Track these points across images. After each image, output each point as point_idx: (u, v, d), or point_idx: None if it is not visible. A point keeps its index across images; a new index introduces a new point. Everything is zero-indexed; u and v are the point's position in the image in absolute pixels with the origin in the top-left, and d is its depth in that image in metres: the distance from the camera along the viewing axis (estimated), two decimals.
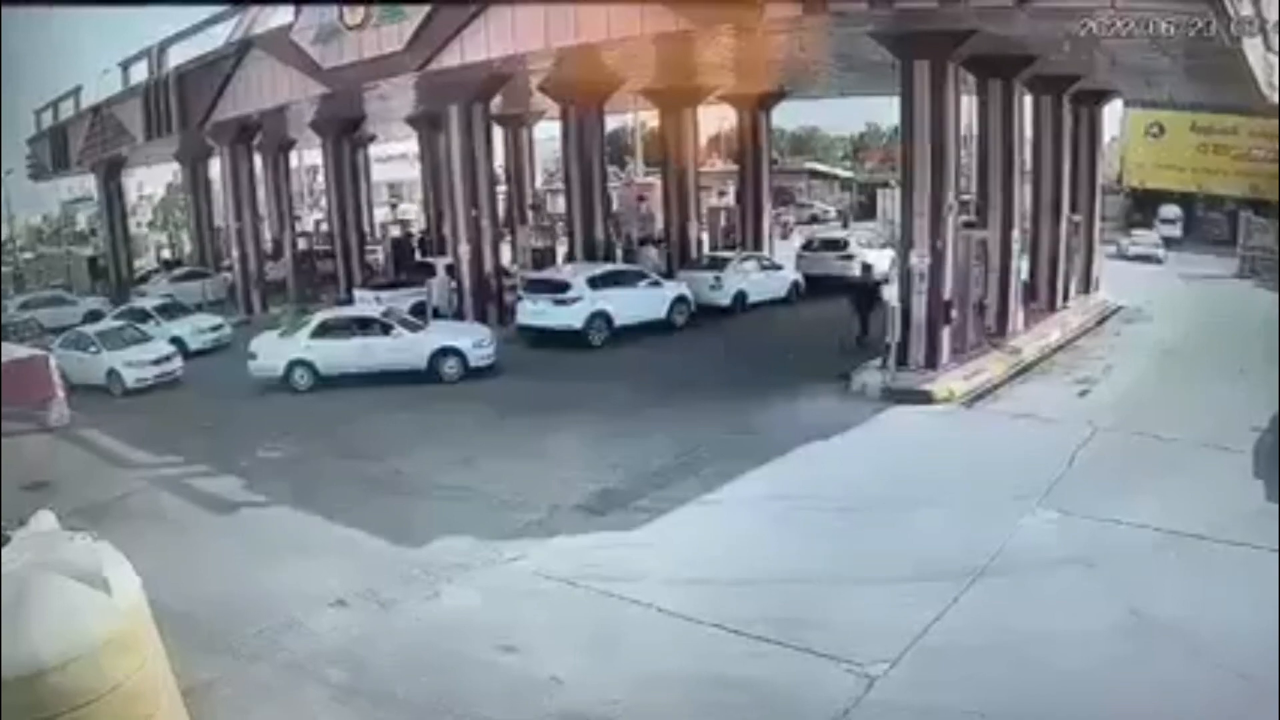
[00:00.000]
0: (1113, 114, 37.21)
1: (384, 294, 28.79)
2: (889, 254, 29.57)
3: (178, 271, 41.02)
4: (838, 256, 32.77)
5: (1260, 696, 8.30)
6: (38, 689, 7.20)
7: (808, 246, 35.09)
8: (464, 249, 27.31)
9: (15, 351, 21.18)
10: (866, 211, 51.91)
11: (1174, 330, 24.31)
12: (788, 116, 51.67)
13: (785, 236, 40.02)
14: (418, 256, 38.45)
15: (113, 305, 33.79)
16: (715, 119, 47.34)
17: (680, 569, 11.85)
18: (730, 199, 41.24)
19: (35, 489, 15.31)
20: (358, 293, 30.62)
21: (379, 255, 40.15)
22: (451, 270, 28.69)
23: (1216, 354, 19.76)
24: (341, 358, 22.50)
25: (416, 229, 45.27)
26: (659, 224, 37.03)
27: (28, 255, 54.23)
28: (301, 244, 39.99)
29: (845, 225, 46.23)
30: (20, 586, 7.50)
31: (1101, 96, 29.59)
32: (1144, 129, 45.24)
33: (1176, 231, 44.76)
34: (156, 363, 23.84)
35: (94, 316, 31.32)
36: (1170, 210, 45.44)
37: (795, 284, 31.20)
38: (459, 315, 27.21)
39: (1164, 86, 31.04)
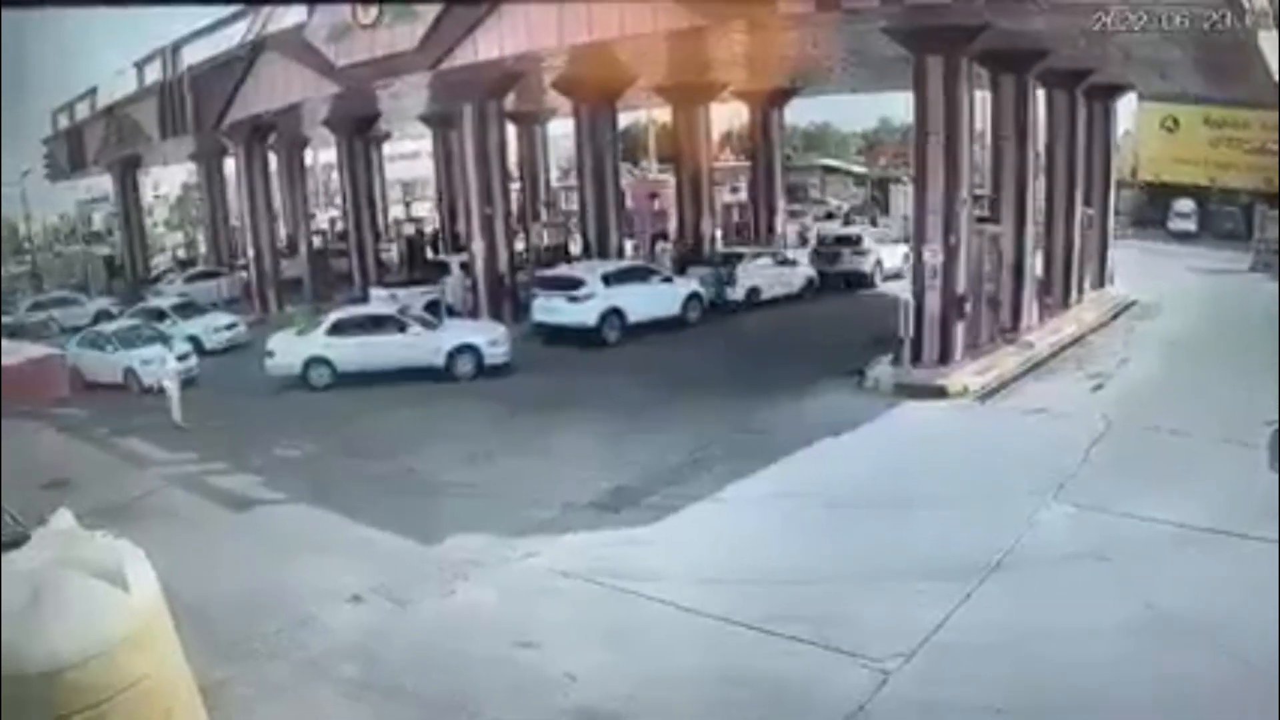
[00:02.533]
0: (1126, 108, 36.92)
1: (399, 292, 28.88)
2: (901, 249, 29.61)
3: (193, 270, 41.19)
4: (852, 253, 32.85)
5: (1274, 689, 8.28)
6: (57, 686, 7.26)
7: (822, 243, 35.05)
8: (478, 246, 27.34)
9: (29, 350, 21.31)
10: (881, 208, 51.74)
11: (1188, 325, 24.14)
12: (800, 113, 51.47)
13: (804, 242, 39.51)
14: (430, 254, 38.56)
15: (123, 305, 33.91)
16: (728, 115, 47.25)
17: (694, 566, 11.86)
18: (743, 195, 41.17)
19: (54, 487, 15.43)
20: (374, 291, 30.70)
21: (393, 253, 40.24)
22: (466, 268, 28.77)
23: (1231, 348, 19.61)
24: (358, 355, 22.57)
25: (430, 227, 45.33)
26: (672, 221, 36.95)
27: (52, 253, 54.62)
28: (316, 242, 40.06)
29: (874, 222, 45.81)
30: (40, 584, 7.57)
31: (1115, 91, 29.43)
32: (1158, 123, 44.95)
33: (1191, 226, 44.48)
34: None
35: (102, 317, 31.44)
36: (1184, 205, 45.14)
37: (809, 280, 31.19)
38: (473, 313, 27.26)
39: (1178, 80, 30.86)
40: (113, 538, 8.64)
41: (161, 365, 21.68)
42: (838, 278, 31.62)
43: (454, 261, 30.49)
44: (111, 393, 23.25)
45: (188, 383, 23.52)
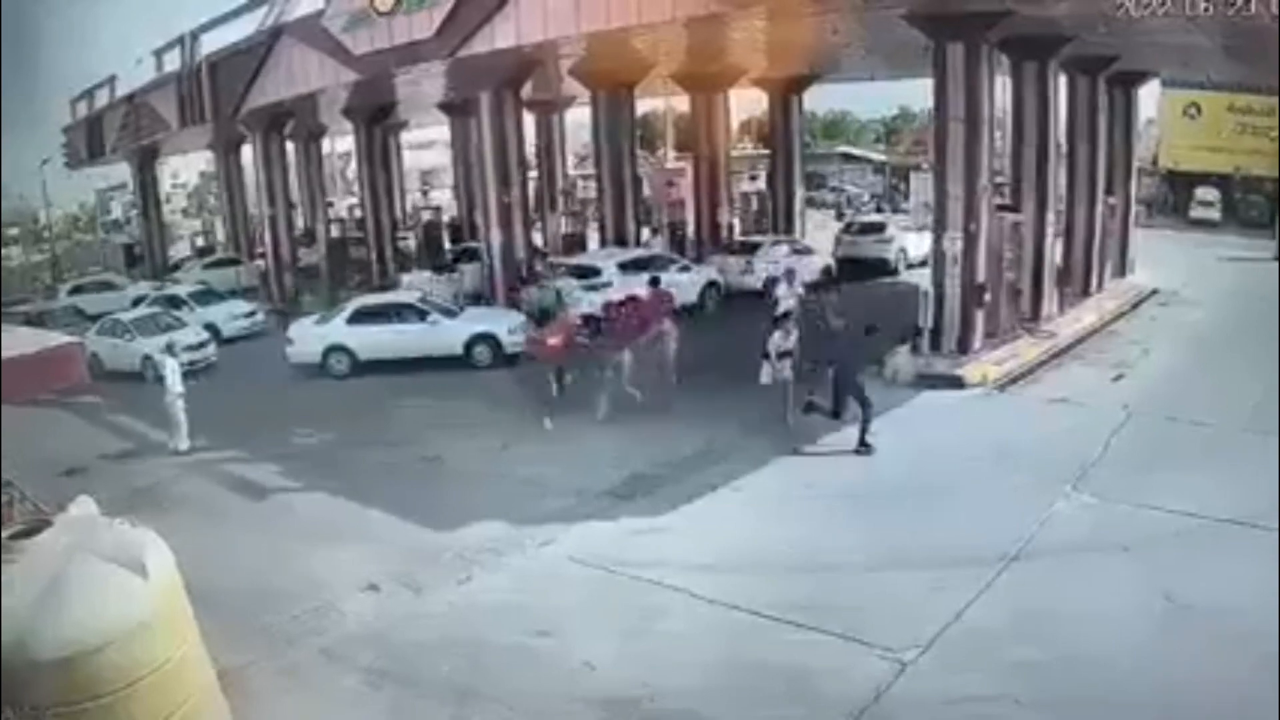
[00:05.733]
0: (1149, 95, 36.61)
1: (425, 277, 29.02)
2: (927, 236, 29.58)
3: (211, 258, 41.41)
4: (875, 240, 32.93)
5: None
6: (76, 673, 7.31)
7: (847, 229, 35.18)
8: (495, 235, 27.28)
9: (48, 338, 21.30)
10: (903, 195, 51.70)
11: (1210, 314, 24.00)
12: (819, 100, 51.31)
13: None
14: (447, 242, 38.59)
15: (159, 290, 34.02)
16: (746, 103, 47.17)
17: (710, 555, 11.86)
18: (761, 183, 41.09)
19: (72, 475, 15.50)
20: (406, 277, 30.73)
21: (410, 242, 40.31)
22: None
23: (1254, 338, 19.45)
24: (378, 343, 22.62)
25: (447, 215, 45.40)
26: (690, 209, 36.89)
27: (71, 241, 55.02)
28: (334, 230, 40.18)
29: (894, 210, 45.94)
30: (60, 570, 7.60)
31: (1138, 77, 29.21)
32: (1181, 110, 44.66)
33: (1214, 214, 44.18)
34: (190, 349, 23.97)
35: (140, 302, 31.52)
36: (1207, 193, 44.83)
37: (827, 268, 31.14)
38: (489, 300, 27.22)
39: (1202, 67, 30.59)
40: (131, 525, 8.67)
41: (171, 374, 18.22)
42: (861, 265, 31.69)
43: (482, 248, 30.58)
44: (131, 380, 23.32)
45: (204, 370, 23.60)
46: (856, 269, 31.41)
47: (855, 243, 33.61)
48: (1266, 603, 9.29)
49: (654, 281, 21.57)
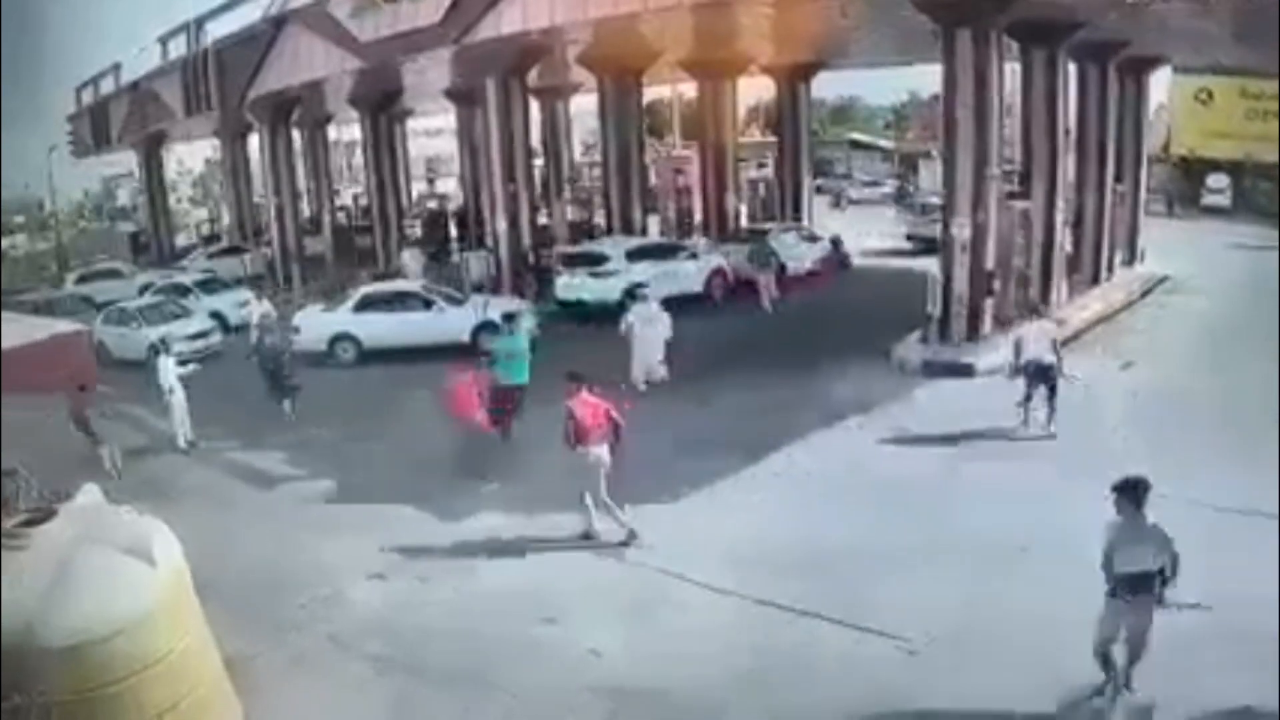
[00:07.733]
0: (1159, 80, 36.42)
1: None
2: None
3: (217, 247, 41.43)
4: (932, 220, 33.63)
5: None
6: (84, 662, 7.29)
7: (913, 211, 37.09)
8: (500, 223, 27.22)
9: (54, 326, 21.25)
10: (913, 184, 51.81)
11: (1220, 303, 23.83)
12: (827, 87, 51.18)
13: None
14: (453, 230, 38.62)
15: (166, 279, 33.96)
16: (754, 90, 47.10)
17: (718, 544, 11.80)
18: (769, 170, 41.04)
19: (79, 464, 15.46)
20: (473, 257, 30.63)
21: (417, 229, 40.29)
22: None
23: (1264, 327, 19.33)
24: (384, 332, 22.58)
25: (453, 204, 45.41)
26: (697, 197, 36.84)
27: (76, 229, 55.12)
28: (340, 218, 40.14)
29: (904, 196, 47.23)
30: (66, 559, 7.58)
31: (1149, 63, 29.04)
32: (1192, 96, 44.39)
33: (1225, 201, 43.96)
34: (196, 337, 23.95)
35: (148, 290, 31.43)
36: (1218, 180, 44.61)
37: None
38: (495, 289, 27.17)
39: (1213, 52, 30.41)
40: (138, 514, 8.65)
41: (165, 368, 17.88)
42: (927, 243, 32.48)
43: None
44: (138, 369, 23.28)
45: (210, 357, 23.54)
46: (926, 247, 31.53)
47: (917, 223, 35.65)
48: (1268, 594, 9.21)
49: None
